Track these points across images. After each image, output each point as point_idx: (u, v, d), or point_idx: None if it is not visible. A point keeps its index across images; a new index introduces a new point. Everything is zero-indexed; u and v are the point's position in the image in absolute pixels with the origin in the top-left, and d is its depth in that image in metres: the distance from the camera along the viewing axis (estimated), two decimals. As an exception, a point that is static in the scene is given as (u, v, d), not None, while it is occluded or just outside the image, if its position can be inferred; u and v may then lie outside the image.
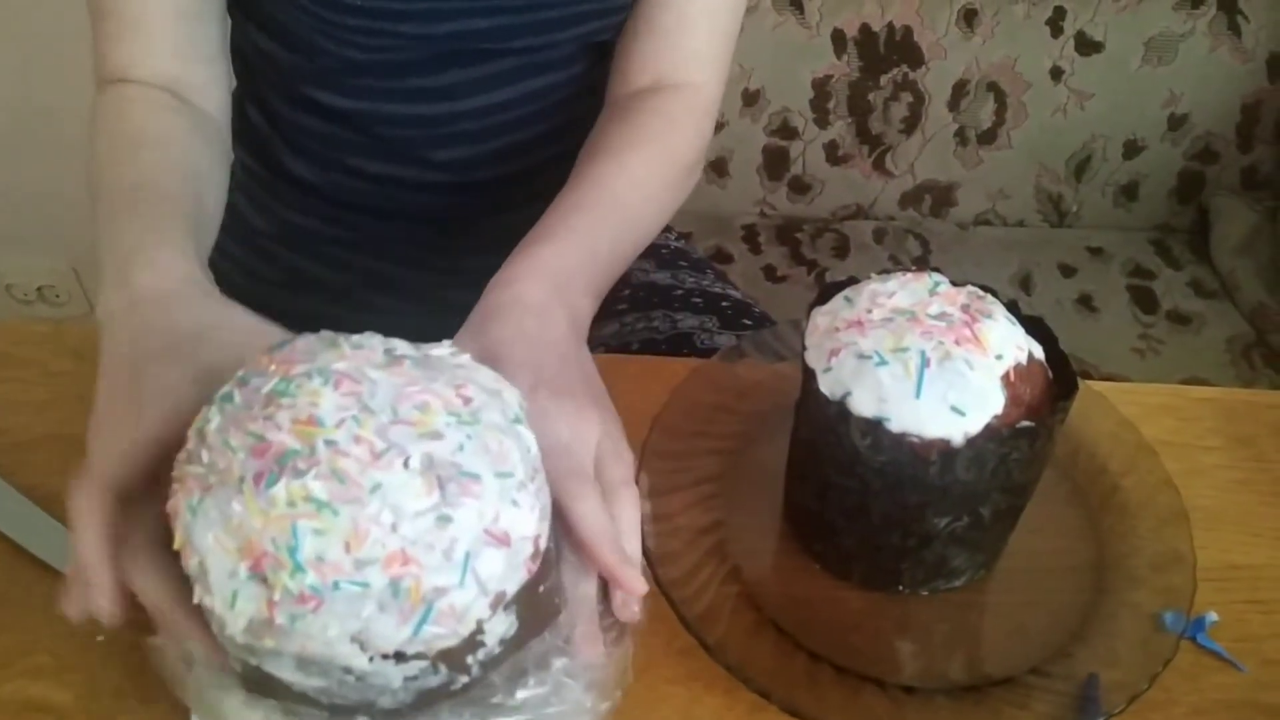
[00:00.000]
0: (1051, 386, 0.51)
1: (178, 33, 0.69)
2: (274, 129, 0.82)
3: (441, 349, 0.43)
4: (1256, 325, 1.23)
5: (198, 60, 0.70)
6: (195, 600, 0.39)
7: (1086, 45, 1.30)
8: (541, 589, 0.42)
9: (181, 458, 0.40)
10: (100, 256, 0.57)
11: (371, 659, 0.38)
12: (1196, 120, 1.34)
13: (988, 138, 1.36)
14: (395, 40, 0.72)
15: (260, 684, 0.41)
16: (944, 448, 0.48)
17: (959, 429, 0.47)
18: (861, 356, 0.49)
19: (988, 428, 0.48)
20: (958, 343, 0.48)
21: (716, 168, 1.40)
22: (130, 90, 0.67)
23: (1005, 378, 0.48)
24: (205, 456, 0.38)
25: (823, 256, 1.37)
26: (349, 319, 0.47)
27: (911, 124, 1.36)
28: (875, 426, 0.48)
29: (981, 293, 0.52)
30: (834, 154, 1.39)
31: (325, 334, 0.43)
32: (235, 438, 0.38)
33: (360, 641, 0.37)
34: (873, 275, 0.54)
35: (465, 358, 0.43)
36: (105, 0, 0.67)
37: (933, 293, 0.51)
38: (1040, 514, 0.55)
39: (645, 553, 0.53)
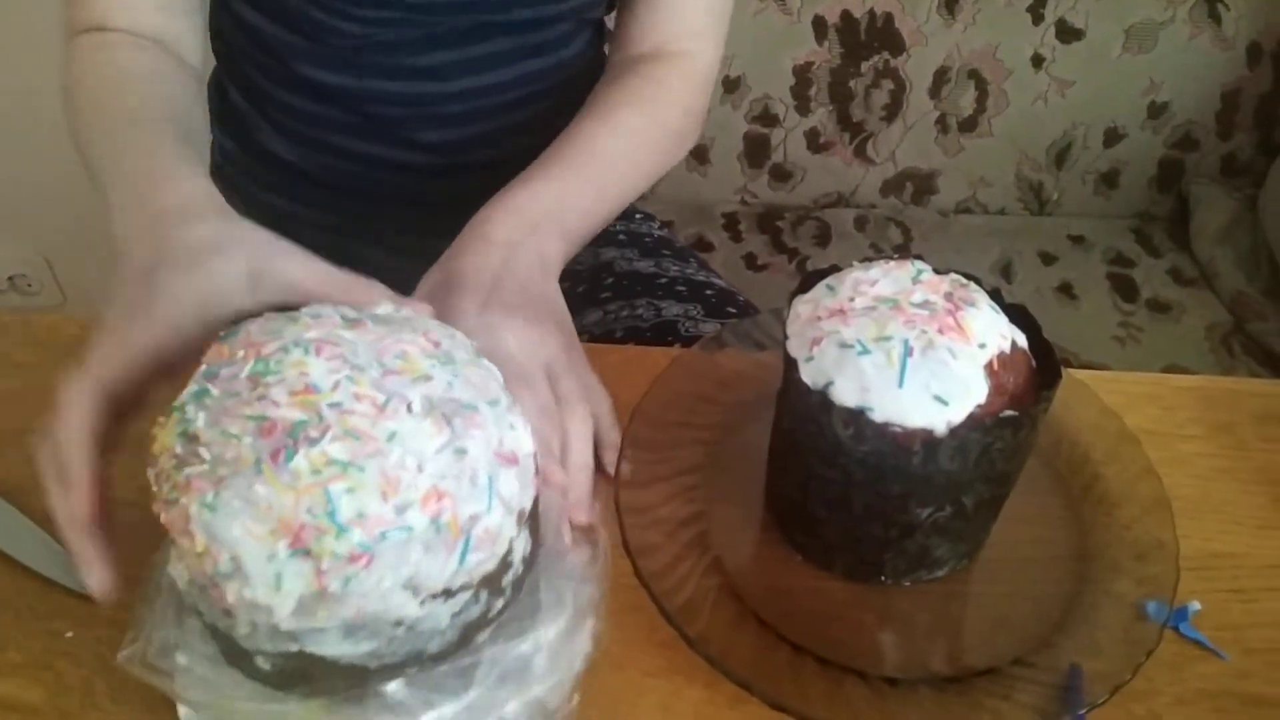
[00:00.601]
0: (1035, 375, 0.50)
1: None
2: (257, 109, 0.82)
3: (385, 308, 0.45)
4: (1235, 313, 1.24)
5: (177, 13, 0.70)
6: (231, 599, 0.38)
7: (1067, 32, 1.30)
8: (538, 505, 0.44)
9: (169, 465, 0.39)
10: (105, 184, 0.57)
11: (423, 602, 0.39)
12: (1177, 108, 1.34)
13: (969, 125, 1.36)
14: (393, 13, 0.72)
15: (293, 675, 0.41)
16: (927, 437, 0.47)
17: (942, 418, 0.47)
18: (844, 345, 0.48)
19: (971, 417, 0.47)
20: (941, 331, 0.47)
21: (697, 155, 1.39)
22: (110, 35, 0.67)
23: (989, 366, 0.48)
24: (205, 454, 0.38)
25: (804, 244, 1.37)
26: None
27: (893, 111, 1.36)
28: (858, 416, 0.48)
29: (965, 281, 0.52)
30: (815, 141, 1.38)
31: (273, 314, 0.43)
32: (234, 425, 0.38)
33: (412, 587, 0.38)
34: (855, 263, 0.53)
35: (406, 312, 0.45)
36: None
37: (916, 281, 0.51)
38: (1022, 504, 0.55)
39: (625, 546, 0.52)
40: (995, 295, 0.52)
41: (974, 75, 1.33)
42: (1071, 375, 0.63)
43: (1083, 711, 0.47)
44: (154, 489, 0.40)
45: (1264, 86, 1.32)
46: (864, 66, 1.33)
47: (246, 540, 0.37)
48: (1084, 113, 1.35)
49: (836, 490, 0.51)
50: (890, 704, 0.49)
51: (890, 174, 1.40)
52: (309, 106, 0.78)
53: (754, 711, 0.49)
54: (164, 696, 0.49)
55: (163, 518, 0.39)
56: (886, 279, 0.51)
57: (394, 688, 0.42)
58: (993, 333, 0.49)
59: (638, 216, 1.07)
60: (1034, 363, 0.51)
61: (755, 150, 1.39)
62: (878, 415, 0.47)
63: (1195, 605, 0.54)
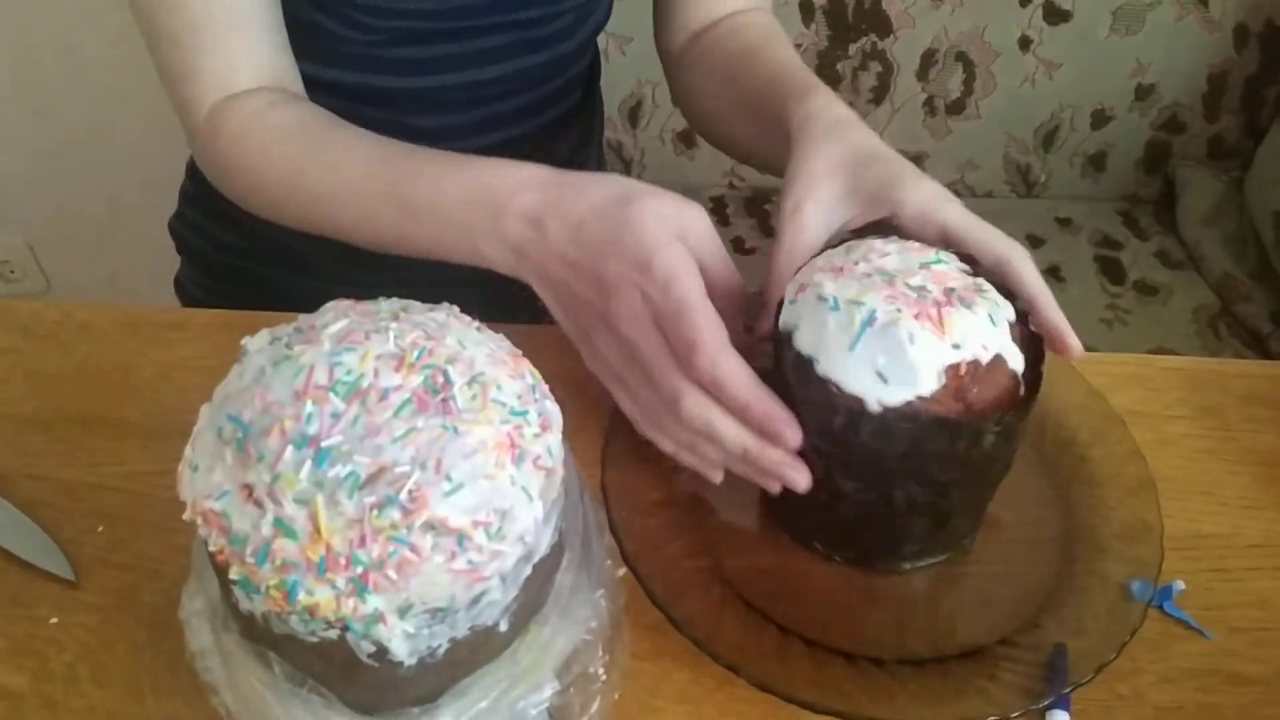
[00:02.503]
0: (1012, 401, 0.49)
1: (268, 25, 0.68)
2: None
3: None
4: (1222, 295, 1.24)
5: (284, 48, 0.70)
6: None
7: (1055, 14, 1.29)
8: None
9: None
10: (425, 224, 0.60)
11: None
12: (1164, 90, 1.34)
13: (956, 108, 1.36)
14: (400, 16, 0.71)
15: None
16: (855, 406, 0.47)
17: (875, 395, 0.47)
18: (821, 298, 0.49)
19: (908, 404, 0.47)
20: (916, 317, 0.47)
21: (684, 139, 1.38)
22: (254, 101, 0.66)
23: (953, 369, 0.47)
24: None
25: (792, 228, 1.36)
26: (322, 290, 0.46)
27: (880, 94, 1.35)
28: (805, 364, 0.48)
29: (985, 286, 0.50)
30: (803, 124, 1.37)
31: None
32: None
33: None
34: (893, 237, 0.53)
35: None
36: (197, 19, 0.65)
37: (926, 266, 0.50)
38: (1008, 485, 0.55)
39: (613, 526, 0.52)
40: (1023, 317, 0.51)
41: (961, 57, 1.32)
42: (1056, 357, 0.63)
43: (1068, 691, 0.48)
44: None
45: (1250, 69, 1.32)
46: (851, 49, 1.32)
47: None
48: (1071, 95, 1.35)
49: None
50: (877, 685, 0.49)
51: (878, 157, 1.40)
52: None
53: (740, 693, 0.49)
54: (147, 681, 0.49)
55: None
56: (899, 255, 0.51)
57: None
58: (974, 340, 0.47)
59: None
60: (1022, 391, 0.49)
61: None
62: (821, 368, 0.48)
63: (1180, 585, 0.55)
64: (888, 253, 0.51)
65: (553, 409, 0.43)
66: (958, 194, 0.58)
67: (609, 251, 0.53)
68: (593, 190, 0.55)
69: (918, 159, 1.39)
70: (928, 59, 1.33)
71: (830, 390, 0.48)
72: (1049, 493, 0.58)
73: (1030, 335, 0.51)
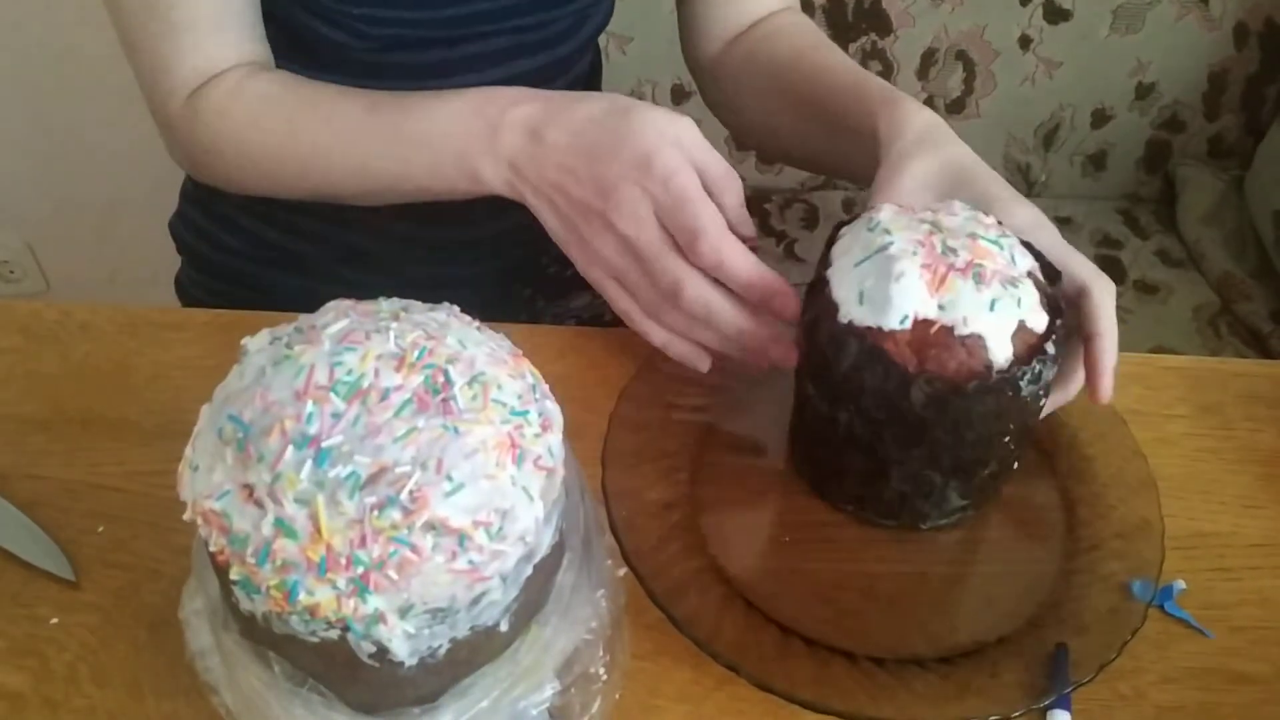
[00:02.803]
0: (954, 387, 0.49)
1: (246, 18, 0.68)
2: None
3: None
4: (1222, 294, 1.24)
5: (261, 40, 0.70)
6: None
7: (1055, 13, 1.29)
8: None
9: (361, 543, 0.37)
10: (422, 154, 0.61)
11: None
12: (1164, 89, 1.34)
13: (956, 107, 1.36)
14: (396, 26, 0.72)
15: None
16: (829, 309, 0.51)
17: (849, 308, 0.50)
18: (871, 220, 0.52)
19: (864, 328, 0.49)
20: (924, 266, 0.49)
21: (685, 138, 1.38)
22: (231, 76, 0.67)
23: (924, 323, 0.49)
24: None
25: (792, 227, 1.36)
26: (322, 292, 0.46)
27: (880, 93, 1.35)
28: (825, 266, 0.53)
29: (1022, 283, 0.50)
30: (803, 124, 1.37)
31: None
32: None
33: None
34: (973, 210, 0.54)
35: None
36: (173, 17, 0.65)
37: (975, 237, 0.50)
38: (1009, 483, 0.55)
39: (613, 526, 0.52)
40: (1051, 330, 0.50)
41: (962, 56, 1.32)
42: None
43: (1069, 690, 0.48)
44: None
45: (1251, 67, 1.32)
46: (851, 48, 1.32)
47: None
48: (1071, 94, 1.34)
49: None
50: (877, 684, 0.49)
51: (878, 156, 1.40)
52: None
53: (741, 692, 0.49)
54: (147, 681, 0.49)
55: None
56: (964, 219, 0.52)
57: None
58: (959, 310, 0.48)
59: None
60: (971, 387, 0.49)
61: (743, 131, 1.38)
62: (830, 271, 0.52)
63: (1181, 584, 0.55)
64: (956, 214, 0.52)
65: (553, 409, 0.43)
66: (958, 193, 0.57)
67: (609, 154, 0.55)
68: (588, 102, 0.58)
69: (918, 158, 1.39)
70: (928, 58, 1.33)
71: (825, 288, 0.51)
72: (1050, 492, 0.58)
73: (1035, 343, 0.50)
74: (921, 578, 0.55)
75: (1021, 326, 0.49)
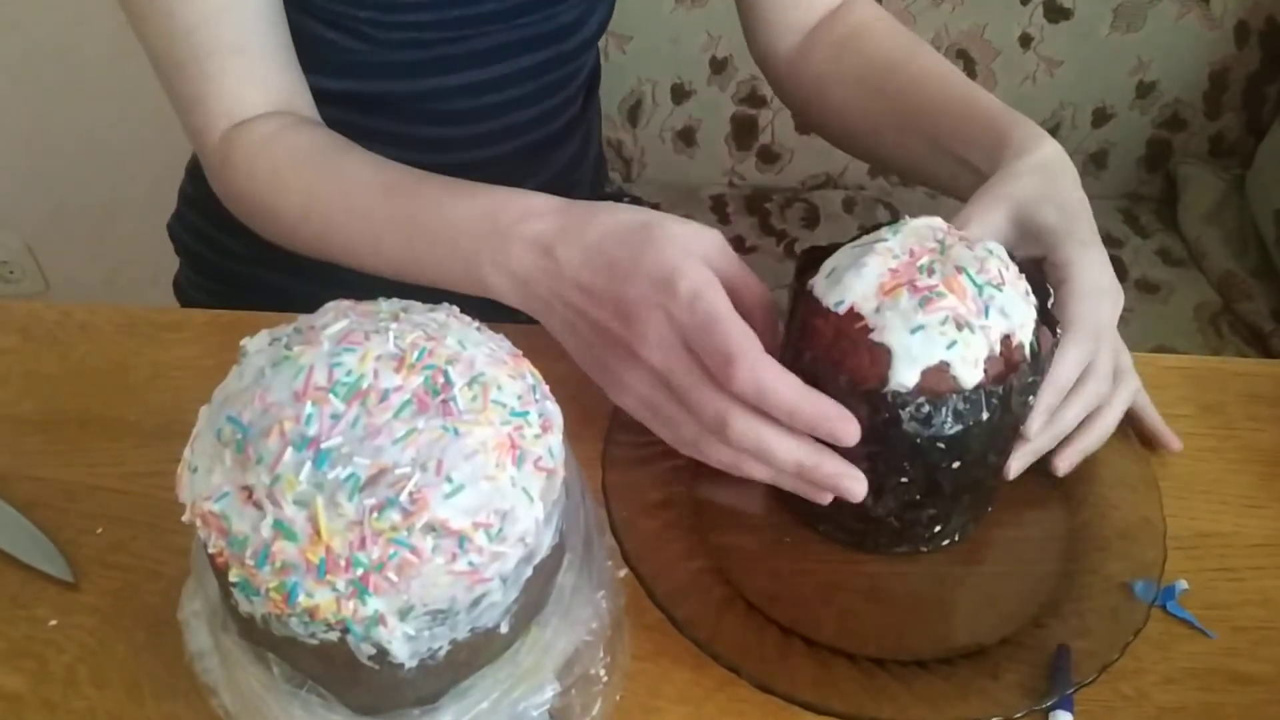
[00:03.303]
0: (850, 386, 0.49)
1: (274, 46, 0.67)
2: None
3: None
4: (1223, 293, 1.24)
5: (292, 66, 0.68)
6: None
7: (1055, 12, 1.29)
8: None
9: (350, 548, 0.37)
10: (431, 251, 0.58)
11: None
12: (1165, 87, 1.34)
13: (957, 106, 1.35)
14: (401, 29, 0.71)
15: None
16: (817, 308, 0.50)
17: (821, 283, 0.51)
18: (862, 239, 0.52)
19: (821, 303, 0.50)
20: (892, 270, 0.49)
21: (684, 137, 1.38)
22: (264, 126, 0.65)
23: (855, 316, 0.49)
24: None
25: (792, 227, 1.36)
26: (320, 294, 0.46)
27: (881, 92, 1.35)
28: (811, 286, 0.52)
29: (978, 325, 0.48)
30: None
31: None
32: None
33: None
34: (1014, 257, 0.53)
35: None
36: (200, 46, 0.64)
37: (974, 283, 0.49)
38: (1011, 484, 0.55)
39: (613, 527, 0.52)
40: (996, 380, 0.49)
41: (962, 55, 1.32)
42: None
43: (1071, 691, 0.48)
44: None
45: (1251, 66, 1.32)
46: (852, 47, 1.32)
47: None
48: (1072, 92, 1.34)
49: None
50: (878, 685, 0.49)
51: (878, 155, 1.40)
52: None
53: (742, 694, 0.49)
54: (146, 682, 0.49)
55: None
56: (980, 267, 0.49)
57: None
58: (883, 322, 0.48)
59: (626, 200, 1.06)
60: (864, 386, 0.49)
61: (743, 132, 1.38)
62: (818, 290, 0.51)
63: (1183, 584, 0.54)
64: (974, 249, 0.50)
65: (553, 409, 0.43)
66: (959, 191, 0.57)
67: (628, 274, 0.51)
68: (604, 216, 0.54)
69: (918, 157, 1.39)
70: (928, 57, 1.32)
71: (816, 301, 0.51)
72: (1051, 492, 0.58)
73: (1001, 375, 0.49)
74: (923, 578, 0.54)
75: (941, 366, 0.48)
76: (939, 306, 0.48)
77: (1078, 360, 0.53)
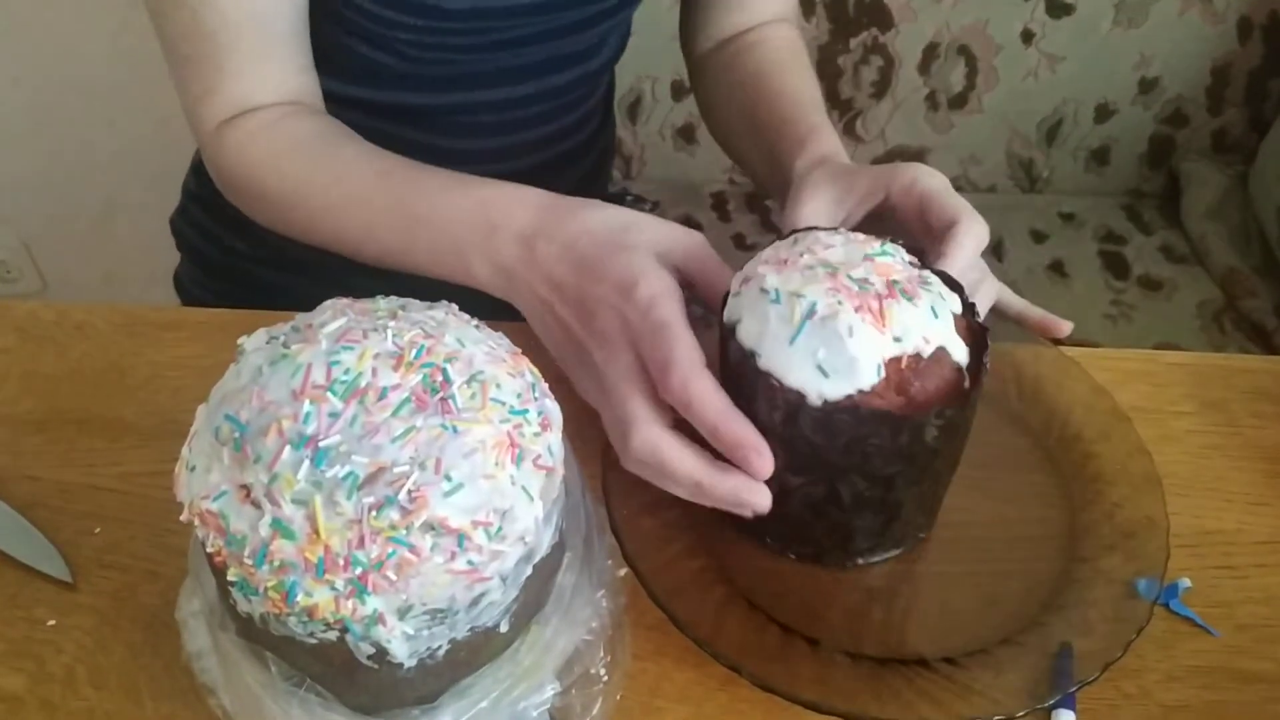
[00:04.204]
0: (956, 394, 0.48)
1: (291, 51, 0.67)
2: None
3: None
4: (1226, 290, 1.23)
5: (307, 69, 0.69)
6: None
7: (1057, 8, 1.28)
8: None
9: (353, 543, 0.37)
10: (422, 239, 0.59)
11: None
12: (1167, 83, 1.33)
13: (958, 102, 1.35)
14: (438, 50, 0.72)
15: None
16: (794, 399, 0.46)
17: (817, 389, 0.46)
18: (763, 290, 0.48)
19: (848, 399, 0.46)
20: (856, 309, 0.46)
21: (685, 135, 1.38)
22: (266, 114, 0.66)
23: (893, 362, 0.46)
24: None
25: (793, 224, 1.36)
26: (321, 293, 0.46)
27: (882, 88, 1.35)
28: (747, 358, 0.48)
29: (930, 279, 0.49)
30: (804, 120, 1.37)
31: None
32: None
33: None
34: (838, 229, 0.53)
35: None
36: (219, 43, 0.64)
37: (870, 257, 0.49)
38: (1013, 482, 0.55)
39: (614, 525, 0.52)
40: (970, 309, 0.50)
41: (964, 51, 1.32)
42: (1061, 353, 0.63)
43: (1073, 690, 0.47)
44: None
45: (1254, 62, 1.32)
46: (852, 43, 1.32)
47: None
48: (1074, 89, 1.34)
49: None
50: (879, 685, 0.48)
51: (879, 151, 1.39)
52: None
53: (743, 693, 0.48)
54: (145, 683, 0.49)
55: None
56: (844, 247, 0.50)
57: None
58: (915, 333, 0.47)
59: (629, 199, 1.06)
60: (966, 384, 0.49)
61: (744, 129, 1.38)
62: (762, 363, 0.47)
63: (1186, 582, 0.54)
64: (832, 244, 0.50)
65: (553, 407, 0.43)
66: (960, 189, 0.58)
67: (595, 274, 0.52)
68: (588, 214, 0.55)
69: (920, 154, 1.39)
70: (930, 53, 1.32)
71: (772, 384, 0.47)
72: (1054, 490, 0.58)
73: (975, 328, 0.50)
74: (925, 577, 0.54)
75: (955, 319, 0.49)
76: (909, 286, 0.48)
77: (980, 236, 0.55)
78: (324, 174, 0.63)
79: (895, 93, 1.35)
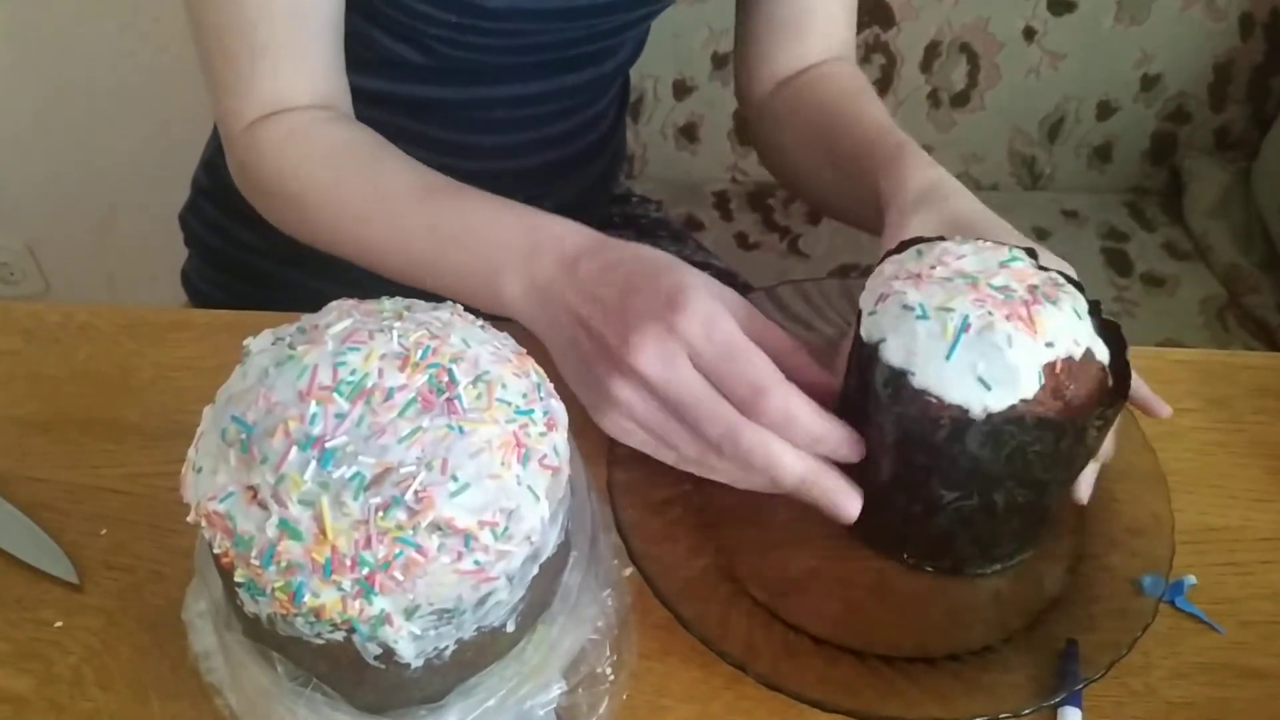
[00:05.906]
0: (1105, 393, 0.48)
1: (329, 50, 0.67)
2: None
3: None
4: (1229, 287, 1.23)
5: (340, 71, 0.69)
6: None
7: (1059, 5, 1.28)
8: None
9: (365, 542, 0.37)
10: (454, 253, 0.58)
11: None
12: (1169, 80, 1.33)
13: (960, 100, 1.35)
14: (466, 50, 0.72)
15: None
16: (959, 416, 0.46)
17: (980, 402, 0.46)
18: (906, 307, 0.47)
19: (1012, 409, 0.46)
20: (1008, 317, 0.46)
21: (686, 133, 1.38)
22: (301, 116, 0.66)
23: (1050, 367, 0.46)
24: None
25: (795, 223, 1.36)
26: (329, 291, 0.46)
27: (884, 86, 1.34)
28: (898, 377, 0.47)
29: (1060, 280, 0.49)
30: (806, 118, 1.37)
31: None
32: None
33: None
34: (957, 238, 0.52)
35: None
36: (257, 37, 0.64)
37: (1004, 265, 0.49)
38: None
39: (619, 525, 0.52)
40: (1095, 307, 0.50)
41: (965, 49, 1.32)
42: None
43: (1079, 687, 0.47)
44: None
45: (1256, 58, 1.32)
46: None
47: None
48: (1076, 86, 1.34)
49: (870, 447, 0.50)
50: (886, 682, 0.48)
51: (882, 150, 1.39)
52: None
53: (749, 692, 0.48)
54: (151, 683, 0.49)
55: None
56: (975, 256, 0.49)
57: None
58: (1065, 335, 0.46)
59: (633, 199, 1.06)
60: (1110, 381, 0.49)
61: (745, 128, 1.38)
62: (917, 381, 0.46)
63: (1191, 579, 0.54)
64: (963, 254, 0.50)
65: (558, 407, 0.43)
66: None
67: (638, 287, 0.51)
68: (637, 246, 0.55)
69: (921, 152, 1.38)
70: (931, 51, 1.32)
71: (930, 402, 0.46)
72: (1058, 487, 0.58)
73: (1107, 324, 0.50)
74: (930, 574, 0.54)
75: (1092, 317, 0.49)
76: (1050, 289, 0.48)
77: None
78: (359, 179, 0.63)
79: (897, 91, 1.35)
